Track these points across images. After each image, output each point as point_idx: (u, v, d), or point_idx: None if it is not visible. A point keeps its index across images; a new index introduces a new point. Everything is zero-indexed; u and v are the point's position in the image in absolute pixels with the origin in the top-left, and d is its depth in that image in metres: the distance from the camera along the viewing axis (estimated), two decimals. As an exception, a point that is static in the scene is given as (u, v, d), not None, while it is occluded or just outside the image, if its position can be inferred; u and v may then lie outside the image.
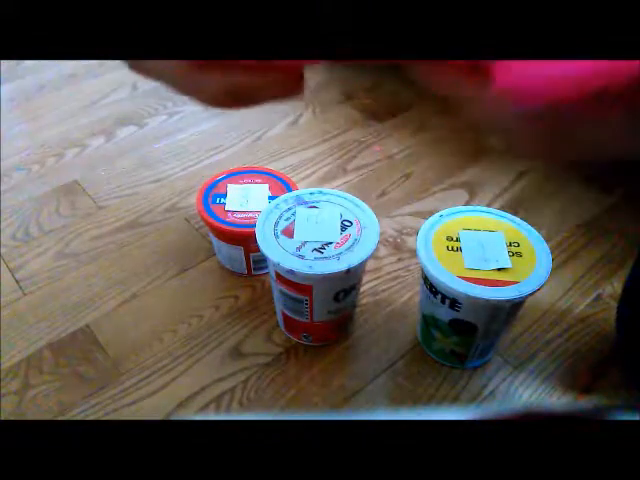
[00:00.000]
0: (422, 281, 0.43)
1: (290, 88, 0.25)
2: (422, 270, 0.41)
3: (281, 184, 0.53)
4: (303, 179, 0.66)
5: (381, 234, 0.43)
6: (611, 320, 0.49)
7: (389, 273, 0.55)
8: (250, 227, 0.48)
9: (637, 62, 0.21)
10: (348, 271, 0.39)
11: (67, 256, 0.56)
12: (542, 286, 0.38)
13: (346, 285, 0.42)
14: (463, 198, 0.63)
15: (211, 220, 0.49)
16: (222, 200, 0.51)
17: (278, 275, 0.42)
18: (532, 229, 0.42)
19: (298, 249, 0.40)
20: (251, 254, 0.51)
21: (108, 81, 0.83)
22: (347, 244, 0.41)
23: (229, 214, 0.50)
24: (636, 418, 0.22)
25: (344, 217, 0.43)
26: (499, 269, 0.39)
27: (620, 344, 0.47)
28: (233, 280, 0.54)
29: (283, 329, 0.49)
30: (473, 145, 0.71)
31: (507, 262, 0.39)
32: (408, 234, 0.59)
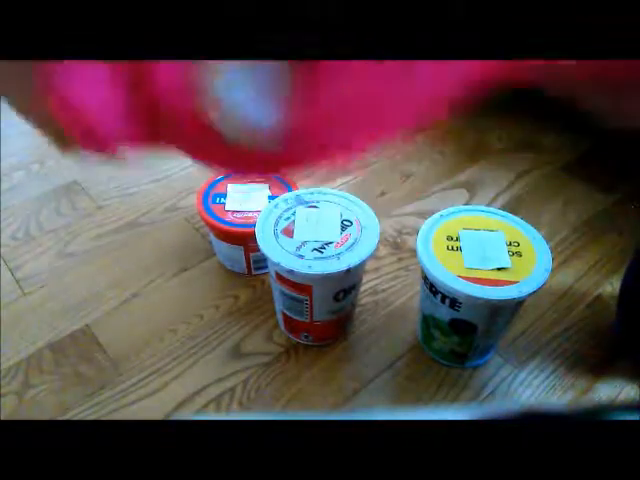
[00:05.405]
0: (422, 281, 0.43)
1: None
2: (422, 270, 0.41)
3: (281, 184, 0.53)
4: (303, 179, 0.66)
5: (381, 234, 0.42)
6: (611, 320, 0.49)
7: (389, 273, 0.54)
8: (250, 227, 0.48)
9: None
10: (348, 271, 0.39)
11: (67, 256, 0.56)
12: (542, 286, 0.38)
13: (346, 285, 0.42)
14: (463, 198, 0.63)
15: (211, 220, 0.49)
16: (222, 200, 0.51)
17: (278, 275, 0.42)
18: (532, 229, 0.42)
19: (298, 249, 0.40)
20: (251, 254, 0.51)
21: (108, 81, 0.83)
22: (347, 244, 0.41)
23: (229, 214, 0.50)
24: (636, 418, 0.22)
25: (344, 217, 0.43)
26: (499, 269, 0.39)
27: (620, 339, 0.47)
28: (233, 280, 0.54)
29: (283, 329, 0.49)
30: (473, 145, 0.71)
31: (507, 262, 0.39)
32: (408, 234, 0.59)
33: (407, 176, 0.66)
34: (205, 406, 0.44)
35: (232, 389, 0.45)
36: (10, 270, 0.55)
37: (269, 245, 0.41)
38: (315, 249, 0.40)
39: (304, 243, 0.41)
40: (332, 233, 0.42)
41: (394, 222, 0.60)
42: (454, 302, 0.40)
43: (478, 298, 0.37)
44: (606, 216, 0.61)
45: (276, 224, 0.42)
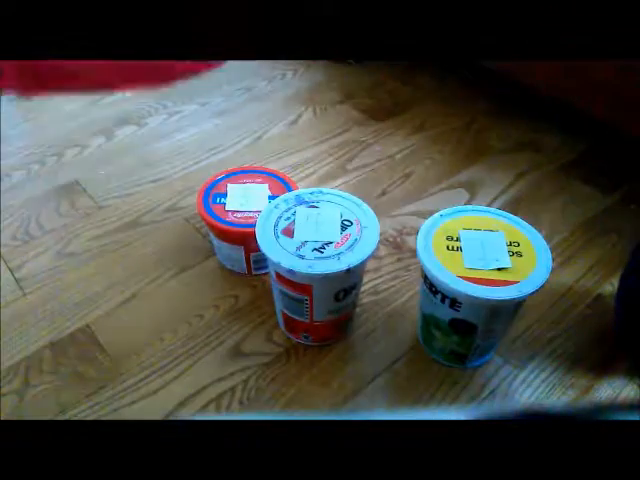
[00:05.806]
0: (422, 281, 0.43)
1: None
2: (422, 270, 0.41)
3: (281, 184, 0.53)
4: (303, 179, 0.66)
5: (381, 234, 0.43)
6: (611, 320, 0.49)
7: (389, 273, 0.55)
8: (250, 227, 0.48)
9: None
10: (348, 271, 0.39)
11: (67, 256, 0.56)
12: (542, 286, 0.38)
13: (346, 285, 0.42)
14: (463, 198, 0.63)
15: (211, 220, 0.49)
16: (222, 200, 0.51)
17: (278, 275, 0.42)
18: (532, 229, 0.42)
19: (298, 249, 0.40)
20: (251, 254, 0.51)
21: (108, 81, 0.83)
22: (347, 244, 0.41)
23: (229, 214, 0.50)
24: (636, 418, 0.22)
25: (344, 217, 0.43)
26: (499, 269, 0.39)
27: (620, 339, 0.47)
28: (233, 280, 0.54)
29: (283, 329, 0.49)
30: (473, 145, 0.71)
31: (507, 262, 0.39)
32: (408, 234, 0.59)
33: (407, 176, 0.66)
34: (205, 406, 0.44)
35: (232, 389, 0.45)
36: (10, 270, 0.55)
37: (269, 245, 0.41)
38: (315, 249, 0.40)
39: (304, 243, 0.41)
40: (332, 233, 0.42)
41: (394, 222, 0.60)
42: (454, 302, 0.40)
43: (478, 298, 0.37)
44: (606, 216, 0.61)
45: (276, 224, 0.42)
